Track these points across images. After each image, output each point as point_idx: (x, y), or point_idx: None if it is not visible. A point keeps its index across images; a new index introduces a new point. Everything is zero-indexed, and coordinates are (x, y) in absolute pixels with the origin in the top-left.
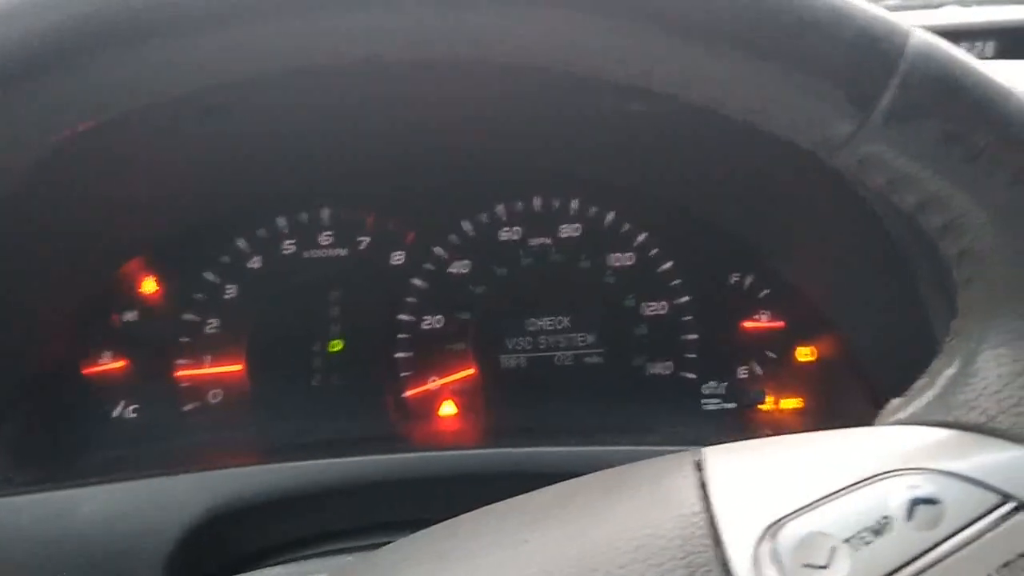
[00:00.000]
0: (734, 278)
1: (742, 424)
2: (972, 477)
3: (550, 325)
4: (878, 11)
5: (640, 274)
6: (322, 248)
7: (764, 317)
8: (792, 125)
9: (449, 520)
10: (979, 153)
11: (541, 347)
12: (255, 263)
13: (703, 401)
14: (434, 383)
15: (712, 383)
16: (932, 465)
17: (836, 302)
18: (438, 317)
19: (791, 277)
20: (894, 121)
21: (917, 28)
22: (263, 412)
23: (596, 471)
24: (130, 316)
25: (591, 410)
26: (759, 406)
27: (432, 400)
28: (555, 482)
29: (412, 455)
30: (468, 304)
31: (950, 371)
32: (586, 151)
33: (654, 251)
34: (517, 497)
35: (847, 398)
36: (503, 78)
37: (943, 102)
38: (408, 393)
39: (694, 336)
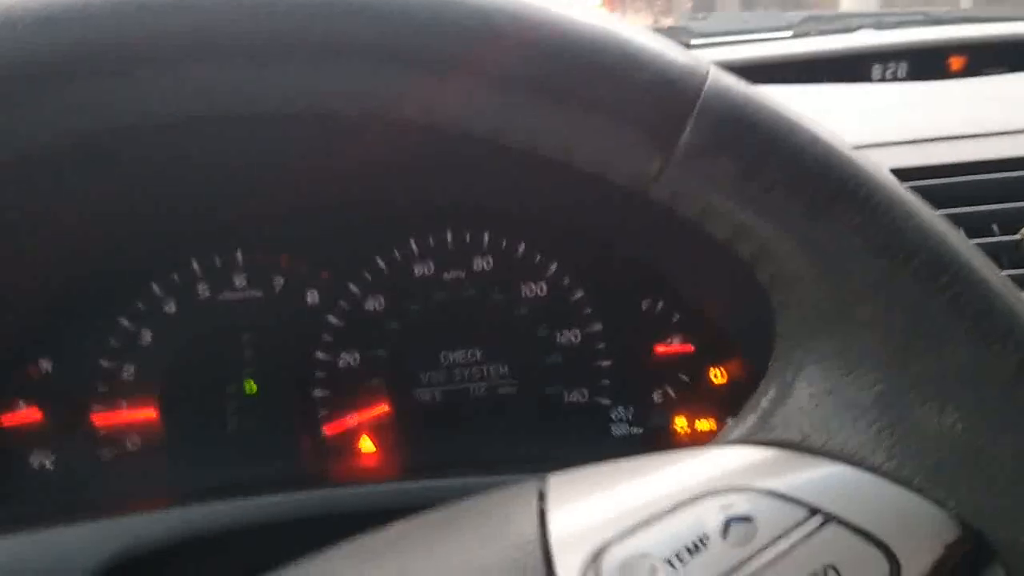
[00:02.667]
0: (645, 304)
1: (652, 448)
2: (783, 493)
3: (464, 358)
4: (677, 53)
5: (552, 304)
6: (237, 290)
7: (676, 341)
8: (602, 165)
9: (290, 567)
10: (774, 185)
11: (456, 380)
12: (170, 307)
13: (612, 427)
14: (351, 421)
15: (620, 409)
16: (748, 484)
17: (736, 326)
18: (354, 354)
19: (696, 302)
20: (695, 157)
21: (716, 68)
22: (179, 457)
23: None
24: (46, 365)
25: (507, 440)
26: (670, 428)
27: (350, 438)
28: None
29: (328, 492)
30: (383, 340)
31: (771, 392)
32: (491, 184)
33: (566, 280)
34: (365, 535)
35: None
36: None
37: (736, 138)
38: (326, 432)
39: (607, 363)
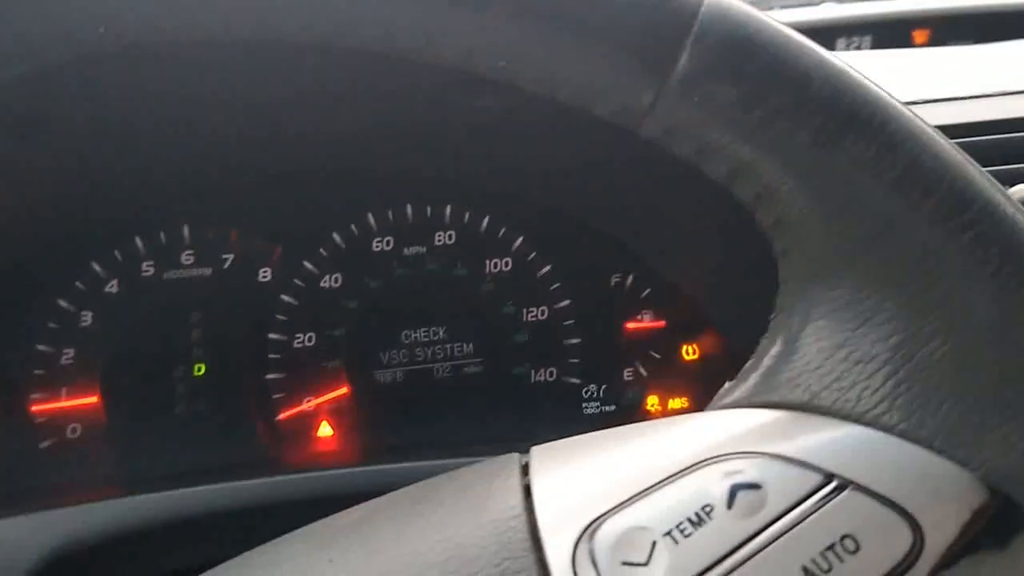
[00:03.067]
0: (615, 279)
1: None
2: (794, 458)
3: (426, 336)
4: None
5: (519, 280)
6: (184, 268)
7: (646, 317)
8: (588, 97)
9: (256, 548)
10: (778, 115)
11: (418, 360)
12: (112, 287)
13: (583, 405)
14: (308, 404)
15: (592, 387)
16: (754, 448)
17: (712, 300)
18: (310, 334)
19: (669, 276)
20: (692, 85)
21: None
22: (124, 445)
23: None
24: None
25: (473, 421)
26: (643, 407)
27: (307, 422)
28: None
29: (284, 478)
30: (341, 319)
31: (775, 349)
32: (452, 155)
33: (532, 255)
34: (333, 515)
35: None
36: (353, 78)
37: (737, 62)
38: (281, 416)
39: (576, 340)
